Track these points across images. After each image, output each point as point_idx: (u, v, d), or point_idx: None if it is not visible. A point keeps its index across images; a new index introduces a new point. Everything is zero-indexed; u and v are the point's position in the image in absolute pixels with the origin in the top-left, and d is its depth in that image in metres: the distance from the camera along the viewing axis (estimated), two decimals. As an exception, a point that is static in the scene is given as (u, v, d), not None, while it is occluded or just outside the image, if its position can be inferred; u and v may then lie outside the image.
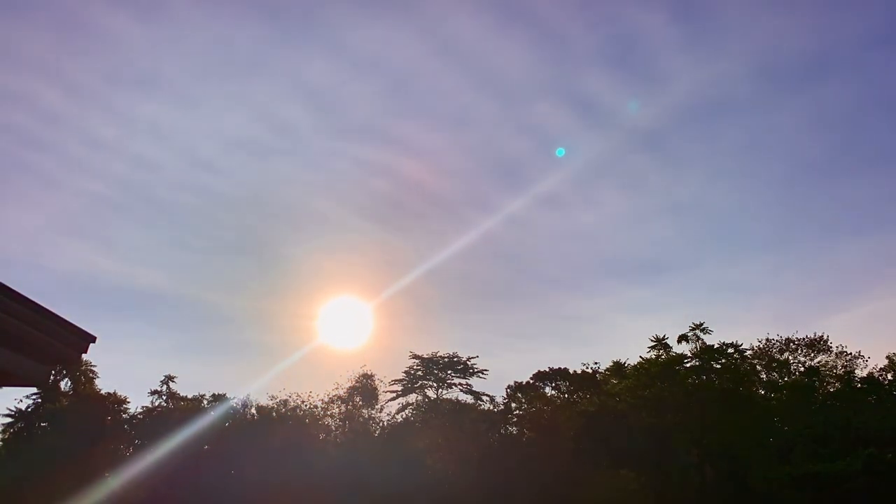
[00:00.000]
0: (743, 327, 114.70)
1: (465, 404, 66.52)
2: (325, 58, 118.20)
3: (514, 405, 70.35)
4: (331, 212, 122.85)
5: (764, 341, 64.37)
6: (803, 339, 63.99)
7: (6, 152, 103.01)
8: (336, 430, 56.70)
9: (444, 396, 69.99)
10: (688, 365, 53.02)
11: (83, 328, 6.44)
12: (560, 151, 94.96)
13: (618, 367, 58.16)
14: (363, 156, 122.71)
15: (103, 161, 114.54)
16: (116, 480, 43.56)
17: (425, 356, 71.67)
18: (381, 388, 60.49)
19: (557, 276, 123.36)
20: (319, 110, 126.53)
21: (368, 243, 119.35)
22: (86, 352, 6.65)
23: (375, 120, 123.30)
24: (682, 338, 53.81)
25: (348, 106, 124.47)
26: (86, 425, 43.53)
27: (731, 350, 54.11)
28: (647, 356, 54.35)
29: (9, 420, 49.99)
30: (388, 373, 76.81)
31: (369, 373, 59.22)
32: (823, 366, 62.42)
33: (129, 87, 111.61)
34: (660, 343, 54.58)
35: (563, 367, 72.83)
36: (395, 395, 68.57)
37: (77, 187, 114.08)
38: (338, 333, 79.67)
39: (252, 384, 71.98)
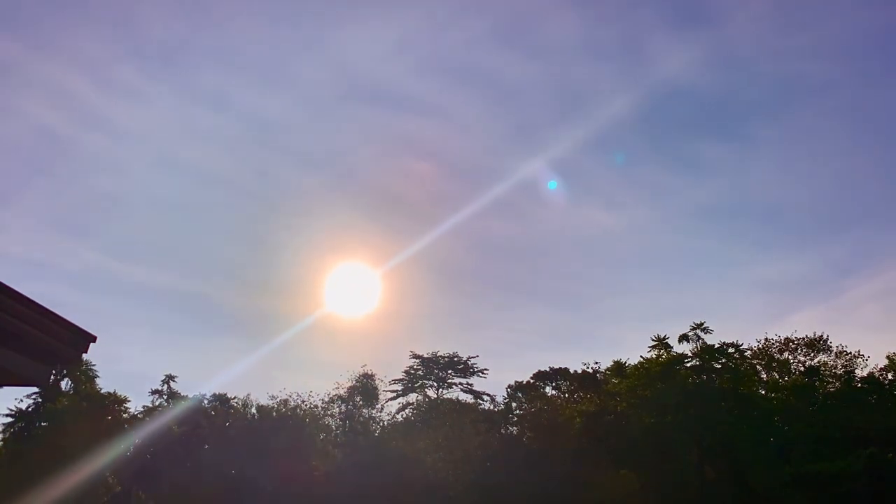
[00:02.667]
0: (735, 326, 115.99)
1: (466, 404, 66.55)
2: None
3: (514, 405, 70.36)
4: (334, 200, 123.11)
5: (763, 341, 64.37)
6: (803, 338, 63.94)
7: (6, 152, 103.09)
8: (336, 430, 56.70)
9: (445, 396, 70.09)
10: (688, 365, 52.99)
11: (83, 328, 6.44)
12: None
13: (618, 367, 58.10)
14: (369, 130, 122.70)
15: (104, 160, 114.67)
16: (116, 480, 43.58)
17: (425, 355, 71.74)
18: (382, 387, 60.54)
19: (563, 275, 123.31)
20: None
21: (371, 230, 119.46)
22: (86, 351, 6.65)
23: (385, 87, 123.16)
24: (683, 337, 53.76)
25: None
26: (86, 425, 43.50)
27: (731, 350, 54.09)
28: (648, 356, 54.34)
29: (9, 420, 49.98)
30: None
31: (370, 372, 59.24)
32: (823, 365, 62.37)
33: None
34: (660, 343, 54.54)
35: (563, 367, 72.87)
36: (395, 394, 68.66)
37: (77, 185, 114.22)
38: (344, 300, 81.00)
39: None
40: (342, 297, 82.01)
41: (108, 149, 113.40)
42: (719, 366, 53.19)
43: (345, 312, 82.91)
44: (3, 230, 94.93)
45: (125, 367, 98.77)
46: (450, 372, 71.93)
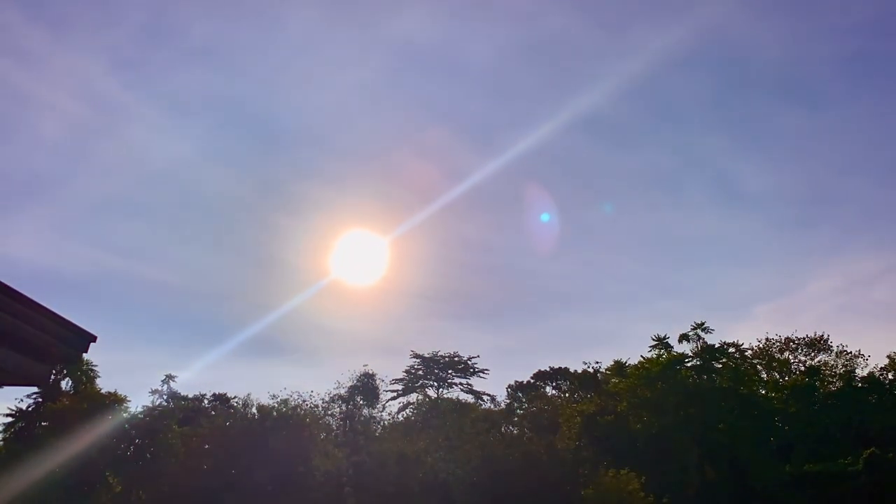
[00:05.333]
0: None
1: (466, 404, 66.51)
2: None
3: (514, 405, 70.41)
4: (336, 196, 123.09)
5: (764, 341, 64.41)
6: (803, 338, 64.02)
7: (6, 150, 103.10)
8: (337, 430, 56.64)
9: (445, 396, 70.08)
10: (689, 364, 52.96)
11: (83, 327, 6.42)
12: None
13: (618, 367, 58.10)
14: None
15: (104, 159, 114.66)
16: (117, 480, 43.55)
17: (426, 355, 71.72)
18: (382, 387, 60.53)
19: (563, 273, 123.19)
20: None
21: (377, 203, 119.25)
22: (86, 351, 6.64)
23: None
24: (684, 337, 53.77)
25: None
26: (86, 425, 43.48)
27: (731, 350, 54.08)
28: (648, 356, 54.31)
29: (9, 420, 49.97)
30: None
31: (371, 372, 59.26)
32: (824, 365, 62.40)
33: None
34: (661, 342, 54.52)
35: (563, 367, 72.90)
36: (395, 394, 68.69)
37: (79, 187, 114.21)
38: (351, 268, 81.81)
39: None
40: (350, 265, 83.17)
41: (111, 150, 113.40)
42: (720, 366, 53.17)
43: (353, 280, 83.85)
44: (5, 232, 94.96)
45: (125, 368, 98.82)
46: (450, 372, 71.92)
